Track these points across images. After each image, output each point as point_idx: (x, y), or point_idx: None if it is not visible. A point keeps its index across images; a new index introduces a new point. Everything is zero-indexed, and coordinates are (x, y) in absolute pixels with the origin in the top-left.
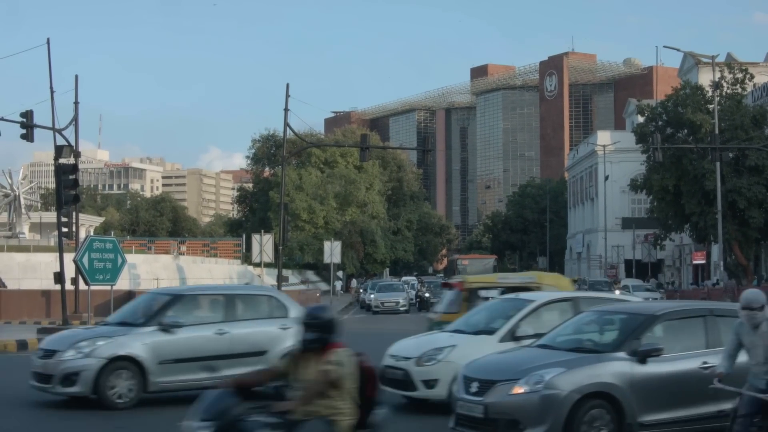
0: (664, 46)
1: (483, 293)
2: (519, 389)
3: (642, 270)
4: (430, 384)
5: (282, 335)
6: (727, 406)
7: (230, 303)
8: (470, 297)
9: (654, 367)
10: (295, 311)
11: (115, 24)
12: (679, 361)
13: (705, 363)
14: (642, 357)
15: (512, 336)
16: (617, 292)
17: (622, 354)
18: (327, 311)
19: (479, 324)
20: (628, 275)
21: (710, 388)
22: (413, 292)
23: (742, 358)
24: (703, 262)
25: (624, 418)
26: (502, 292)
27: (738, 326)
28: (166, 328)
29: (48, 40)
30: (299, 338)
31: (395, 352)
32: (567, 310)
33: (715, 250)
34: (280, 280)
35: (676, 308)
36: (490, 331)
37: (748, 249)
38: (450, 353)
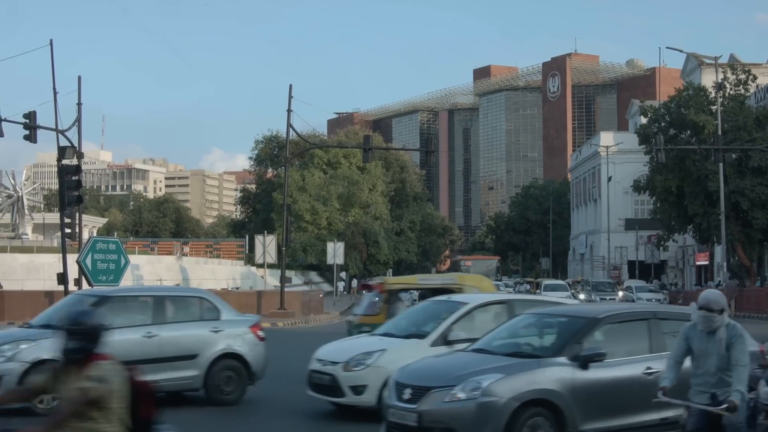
0: (667, 48)
1: (405, 296)
2: (455, 396)
3: (645, 271)
4: (358, 390)
5: (213, 338)
6: (670, 413)
7: (159, 305)
8: (390, 299)
9: (596, 373)
10: (228, 313)
11: (115, 24)
12: (622, 366)
13: (649, 368)
14: (584, 362)
15: (444, 340)
16: (620, 293)
17: (562, 359)
18: (92, 316)
19: (410, 327)
20: (631, 276)
21: (654, 402)
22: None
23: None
24: (706, 263)
25: (565, 426)
26: (422, 296)
27: (689, 329)
28: None
29: (51, 41)
30: (60, 348)
31: (322, 356)
32: (501, 313)
33: (719, 251)
34: (283, 281)
35: (619, 311)
36: (422, 335)
37: (751, 250)
38: (379, 358)
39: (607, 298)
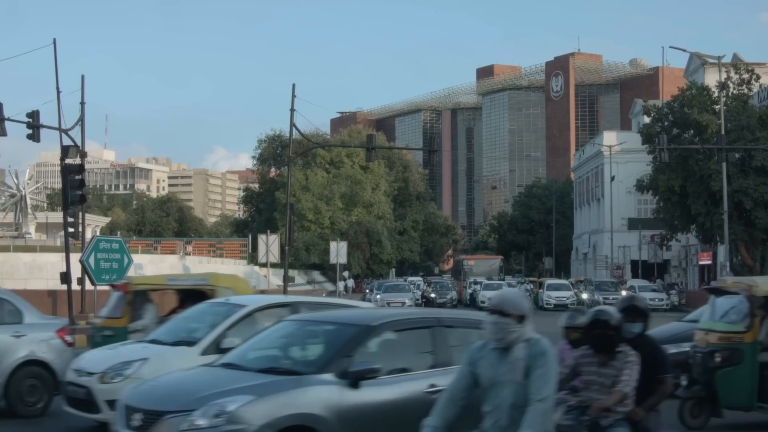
0: (670, 47)
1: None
2: (193, 424)
3: (648, 271)
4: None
5: (14, 344)
6: None
7: None
8: (136, 300)
9: (369, 393)
10: (32, 316)
11: (116, 24)
12: (401, 383)
13: (433, 386)
14: (354, 380)
15: (217, 347)
16: (623, 292)
17: (328, 376)
18: None
19: (180, 333)
20: (635, 276)
21: None
22: (419, 293)
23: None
24: (709, 262)
25: None
26: (182, 298)
27: (476, 351)
28: None
29: (54, 40)
30: None
31: (79, 366)
32: (285, 317)
33: (722, 250)
34: (286, 280)
35: (397, 317)
36: (192, 342)
37: (754, 250)
38: (140, 368)
39: (611, 297)
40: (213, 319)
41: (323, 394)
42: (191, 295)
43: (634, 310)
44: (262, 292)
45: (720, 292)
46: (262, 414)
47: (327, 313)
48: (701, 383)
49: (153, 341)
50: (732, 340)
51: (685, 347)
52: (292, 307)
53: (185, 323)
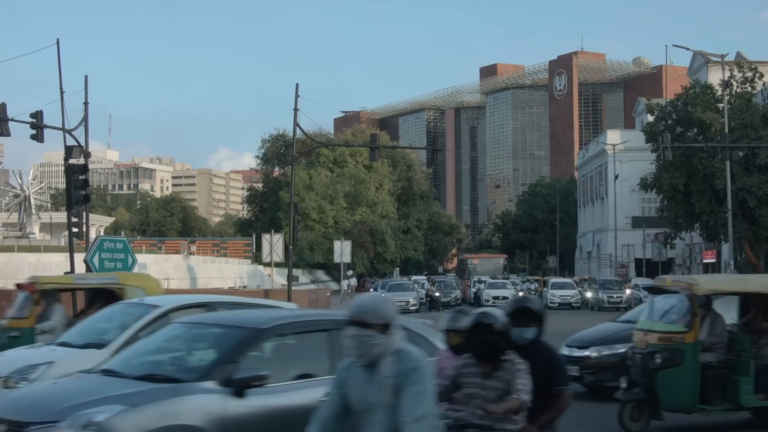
0: (674, 45)
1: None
2: None
3: (652, 269)
4: None
5: None
6: None
7: None
8: (42, 300)
9: (256, 402)
10: None
11: (119, 24)
12: (293, 392)
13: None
14: (239, 387)
15: None
16: (628, 291)
17: (210, 384)
18: None
19: (91, 335)
20: (639, 274)
21: None
22: (423, 292)
23: None
24: (713, 261)
25: None
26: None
27: (345, 369)
28: None
29: (58, 40)
30: None
31: None
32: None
33: (726, 249)
34: (291, 279)
35: (291, 320)
36: (101, 344)
37: (758, 248)
38: (46, 372)
39: (615, 296)
40: (125, 320)
41: (204, 404)
42: (101, 295)
43: (526, 313)
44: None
45: (659, 291)
46: (134, 425)
47: (217, 314)
48: (641, 385)
49: (63, 343)
50: (673, 340)
51: (619, 349)
52: (209, 307)
53: (96, 325)
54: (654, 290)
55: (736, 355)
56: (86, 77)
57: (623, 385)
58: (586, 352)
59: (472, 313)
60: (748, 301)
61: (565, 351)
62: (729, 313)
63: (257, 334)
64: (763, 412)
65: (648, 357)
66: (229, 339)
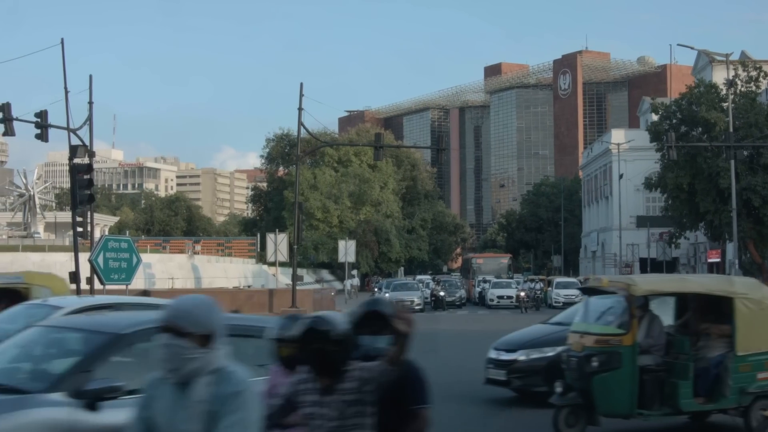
0: (678, 45)
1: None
2: None
3: (657, 268)
4: None
5: None
6: None
7: None
8: None
9: (111, 416)
10: None
11: (122, 23)
12: None
13: None
14: (91, 400)
15: None
16: None
17: (58, 396)
18: None
19: None
20: (643, 273)
21: None
22: (428, 291)
23: None
24: (718, 260)
25: None
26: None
27: (152, 386)
28: None
29: (62, 40)
30: None
31: None
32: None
33: (730, 248)
34: (295, 279)
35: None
36: None
37: (763, 247)
38: None
39: None
40: (27, 321)
41: (48, 418)
42: (6, 294)
43: (376, 319)
44: (271, 292)
45: (595, 291)
46: None
47: (80, 317)
48: (577, 390)
49: None
50: (610, 343)
51: (549, 352)
52: (114, 308)
53: None
54: (589, 291)
55: (674, 357)
56: (90, 77)
57: (558, 389)
58: (514, 356)
59: (303, 318)
60: (685, 302)
61: (492, 354)
62: (665, 315)
63: (116, 339)
64: (702, 417)
65: (584, 360)
66: (86, 345)
